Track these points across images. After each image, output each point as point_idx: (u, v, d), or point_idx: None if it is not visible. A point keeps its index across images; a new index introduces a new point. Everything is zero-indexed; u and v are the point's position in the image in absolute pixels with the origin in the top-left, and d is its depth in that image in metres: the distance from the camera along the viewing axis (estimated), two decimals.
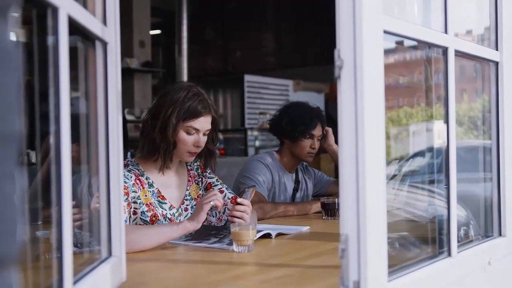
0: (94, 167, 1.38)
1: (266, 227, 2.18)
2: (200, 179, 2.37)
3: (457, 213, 1.54)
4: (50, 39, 1.01)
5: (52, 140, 1.00)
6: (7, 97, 0.49)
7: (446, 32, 1.49)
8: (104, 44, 1.33)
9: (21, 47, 0.54)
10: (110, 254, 1.35)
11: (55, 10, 0.99)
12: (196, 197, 2.32)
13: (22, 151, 0.55)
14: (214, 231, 2.10)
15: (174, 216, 2.21)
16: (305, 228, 2.31)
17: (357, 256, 1.15)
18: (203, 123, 2.16)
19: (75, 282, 1.07)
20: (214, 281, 1.50)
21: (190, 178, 2.34)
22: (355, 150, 1.15)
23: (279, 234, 2.15)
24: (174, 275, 1.61)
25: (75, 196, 1.07)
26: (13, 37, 0.54)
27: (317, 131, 2.97)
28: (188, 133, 2.15)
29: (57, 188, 1.00)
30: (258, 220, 2.59)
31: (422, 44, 1.57)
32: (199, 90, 2.18)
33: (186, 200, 2.29)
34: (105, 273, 1.27)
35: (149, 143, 2.16)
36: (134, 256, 1.77)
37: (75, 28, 1.10)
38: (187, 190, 2.30)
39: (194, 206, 2.26)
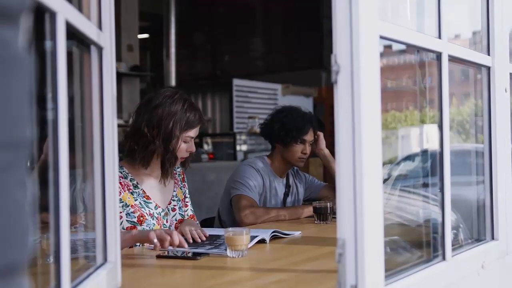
0: (88, 172, 1.37)
1: (259, 232, 2.18)
2: (182, 184, 2.47)
3: None
4: (47, 44, 1.00)
5: (50, 145, 0.99)
6: (20, 104, 0.49)
7: (439, 37, 1.50)
8: (100, 49, 1.32)
9: (32, 53, 0.54)
10: (105, 260, 1.34)
11: (53, 15, 0.98)
12: (180, 199, 2.41)
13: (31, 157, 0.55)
14: (209, 241, 2.09)
15: (160, 215, 2.27)
16: (297, 233, 2.32)
17: (354, 260, 1.15)
18: (197, 131, 2.30)
19: None
20: (211, 286, 1.50)
21: (176, 181, 2.42)
22: (352, 154, 1.15)
23: (273, 237, 2.15)
24: (169, 281, 1.60)
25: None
26: (24, 43, 0.53)
27: (309, 137, 2.97)
28: (185, 142, 2.26)
29: (55, 194, 0.99)
30: (250, 225, 2.60)
31: (411, 48, 1.58)
32: (191, 100, 2.31)
33: (174, 200, 2.37)
34: (101, 279, 1.26)
35: (150, 154, 2.22)
36: (130, 262, 1.76)
37: (70, 32, 1.09)
38: (174, 191, 2.39)
39: (181, 208, 2.38)
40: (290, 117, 2.96)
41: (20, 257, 0.50)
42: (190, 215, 2.42)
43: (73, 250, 1.38)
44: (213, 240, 2.09)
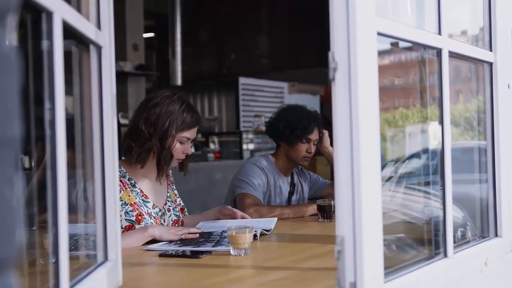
0: (89, 172, 1.38)
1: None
2: (173, 186, 2.50)
3: (454, 214, 1.54)
4: (44, 43, 1.00)
5: (47, 145, 1.00)
6: (7, 101, 0.49)
7: (440, 33, 1.50)
8: (99, 48, 1.33)
9: (18, 51, 0.54)
10: (106, 258, 1.35)
11: (49, 14, 0.99)
12: (173, 200, 2.44)
13: (19, 155, 0.55)
14: (202, 239, 2.08)
15: (157, 215, 2.30)
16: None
17: (353, 257, 1.15)
18: (194, 132, 2.32)
19: (71, 287, 1.07)
20: (211, 285, 1.50)
21: (169, 183, 2.46)
22: (350, 151, 1.15)
23: (272, 235, 2.18)
24: (170, 280, 1.61)
25: (70, 201, 1.07)
26: (11, 42, 0.54)
27: (314, 136, 2.97)
28: (181, 142, 2.28)
29: (53, 193, 0.99)
30: None
31: (416, 46, 1.58)
32: (189, 102, 2.33)
33: (168, 201, 2.40)
34: (102, 278, 1.27)
35: (146, 151, 2.24)
36: (130, 260, 1.76)
37: (69, 32, 1.09)
38: (168, 192, 2.42)
39: (175, 208, 2.41)
40: (295, 116, 2.96)
41: (8, 254, 0.50)
42: (174, 219, 2.41)
43: (77, 248, 1.39)
44: (207, 238, 2.09)
